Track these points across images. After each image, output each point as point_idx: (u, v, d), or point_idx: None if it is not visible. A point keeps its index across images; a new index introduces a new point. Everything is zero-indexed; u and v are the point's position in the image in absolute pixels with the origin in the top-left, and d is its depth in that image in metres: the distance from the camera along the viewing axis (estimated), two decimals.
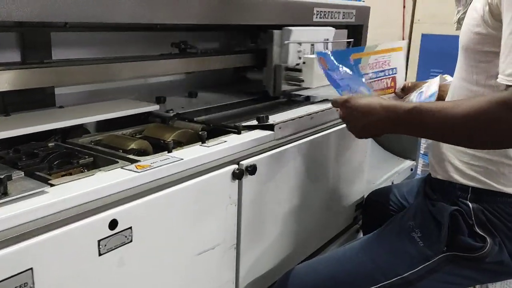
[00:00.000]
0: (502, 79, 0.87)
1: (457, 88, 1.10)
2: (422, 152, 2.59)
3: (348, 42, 1.92)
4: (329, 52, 1.22)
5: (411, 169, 2.14)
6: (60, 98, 1.32)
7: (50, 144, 1.09)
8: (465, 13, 1.09)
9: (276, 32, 1.60)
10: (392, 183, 1.94)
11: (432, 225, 1.06)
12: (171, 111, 1.40)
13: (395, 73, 1.35)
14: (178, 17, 1.25)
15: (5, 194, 0.74)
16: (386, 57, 1.31)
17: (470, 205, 1.04)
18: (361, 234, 1.67)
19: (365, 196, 1.68)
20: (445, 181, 1.11)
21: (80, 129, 1.23)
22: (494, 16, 0.95)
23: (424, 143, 2.59)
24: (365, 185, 1.68)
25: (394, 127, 0.98)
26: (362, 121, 1.02)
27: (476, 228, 1.03)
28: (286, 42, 1.61)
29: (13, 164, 0.93)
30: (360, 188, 1.66)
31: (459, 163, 1.08)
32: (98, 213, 0.78)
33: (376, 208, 1.56)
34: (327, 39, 1.76)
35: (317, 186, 1.39)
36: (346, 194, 1.57)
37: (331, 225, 1.54)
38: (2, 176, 0.73)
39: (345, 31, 2.10)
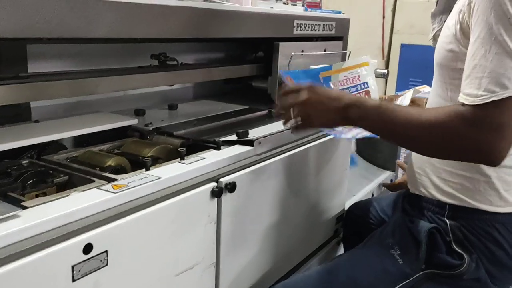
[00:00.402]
0: (461, 98, 0.90)
1: (433, 104, 1.11)
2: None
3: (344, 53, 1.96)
4: (297, 71, 1.24)
5: (391, 180, 2.16)
6: (36, 111, 1.29)
7: (24, 162, 1.06)
8: (440, 29, 1.11)
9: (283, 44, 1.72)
10: (373, 195, 1.95)
11: (411, 242, 1.07)
12: (150, 125, 1.38)
13: (367, 87, 1.36)
14: (158, 31, 1.24)
15: None
16: (355, 73, 1.33)
17: (448, 222, 1.05)
18: (341, 247, 1.68)
19: (345, 209, 1.68)
20: (423, 197, 1.12)
21: (56, 145, 1.20)
22: (465, 34, 0.96)
23: (404, 152, 2.62)
24: (345, 198, 1.69)
25: (357, 117, 0.98)
26: (326, 106, 1.00)
27: (454, 245, 1.03)
28: (293, 53, 1.68)
29: None
30: (341, 201, 1.66)
31: (436, 179, 1.09)
32: (72, 237, 0.76)
33: (356, 221, 1.56)
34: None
35: (297, 201, 1.39)
36: (327, 208, 1.57)
37: (312, 239, 1.54)
38: None
39: (339, 43, 2.11)
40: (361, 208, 1.58)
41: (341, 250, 1.67)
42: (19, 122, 1.22)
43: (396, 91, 3.73)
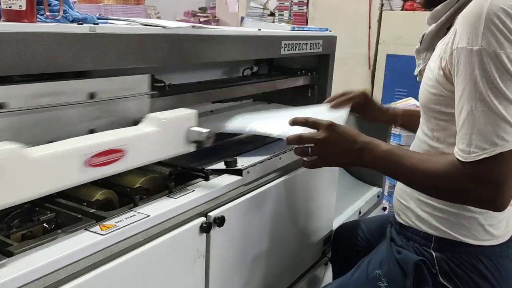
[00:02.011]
0: (456, 153, 0.93)
1: (419, 140, 1.13)
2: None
3: None
4: None
5: (378, 196, 2.18)
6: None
7: None
8: (425, 66, 1.12)
9: None
10: (360, 212, 1.97)
11: (398, 274, 1.08)
12: None
13: None
14: (146, 60, 1.23)
15: None
16: None
17: (434, 254, 1.07)
18: (329, 267, 1.69)
19: (333, 229, 1.69)
20: (409, 227, 1.13)
21: None
22: (448, 79, 0.98)
23: None
24: (332, 218, 1.70)
25: (369, 161, 1.05)
26: (343, 147, 1.07)
27: (440, 278, 1.05)
28: None
29: None
30: (329, 222, 1.67)
31: (421, 212, 1.10)
32: (61, 285, 0.75)
33: (344, 243, 1.58)
34: None
35: (285, 226, 1.40)
36: (315, 230, 1.58)
37: (300, 262, 1.54)
38: None
39: None
40: (348, 229, 1.59)
41: (329, 271, 1.68)
42: None
43: (382, 101, 3.77)
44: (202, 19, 7.25)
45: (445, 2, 1.07)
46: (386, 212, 2.20)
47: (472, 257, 1.05)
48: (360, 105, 1.42)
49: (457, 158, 0.92)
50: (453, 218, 1.05)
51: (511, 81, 0.88)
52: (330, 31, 2.19)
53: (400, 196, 1.17)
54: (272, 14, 4.86)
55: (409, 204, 1.13)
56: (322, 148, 1.08)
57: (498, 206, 0.91)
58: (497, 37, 0.88)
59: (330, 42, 2.14)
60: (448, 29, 1.06)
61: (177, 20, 7.28)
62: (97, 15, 1.30)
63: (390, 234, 1.20)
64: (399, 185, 1.19)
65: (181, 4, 7.38)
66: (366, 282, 1.12)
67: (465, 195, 0.94)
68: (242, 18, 5.78)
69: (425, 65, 1.12)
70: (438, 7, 1.09)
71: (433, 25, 1.10)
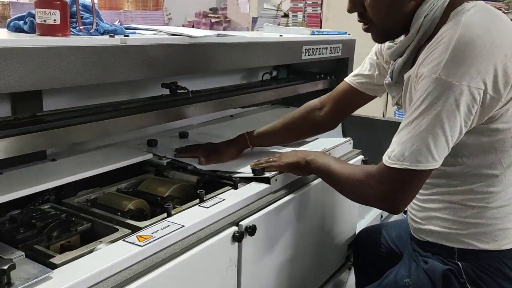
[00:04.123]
0: (384, 157, 1.02)
1: None
2: None
3: None
4: None
5: None
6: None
7: (45, 207, 1.07)
8: (400, 97, 1.16)
9: None
10: (381, 216, 1.97)
11: (427, 284, 1.08)
12: (164, 158, 1.39)
13: None
14: (172, 70, 1.25)
15: (9, 283, 0.73)
16: None
17: (460, 264, 1.07)
18: (353, 272, 1.69)
19: (356, 233, 1.70)
20: (430, 242, 1.14)
21: (73, 184, 1.21)
22: None
23: None
24: (356, 224, 1.70)
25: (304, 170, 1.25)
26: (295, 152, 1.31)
27: (468, 286, 1.05)
28: None
29: (10, 238, 0.91)
30: (352, 226, 1.68)
31: (440, 229, 1.11)
32: None
33: (366, 249, 1.58)
34: None
35: (311, 232, 1.40)
36: (339, 235, 1.59)
37: (325, 267, 1.55)
38: (5, 267, 0.72)
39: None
40: (370, 235, 1.58)
41: (352, 276, 1.68)
42: (35, 162, 1.23)
43: None
44: (213, 20, 7.27)
45: (403, 39, 1.09)
46: (406, 215, 2.19)
47: (497, 262, 1.05)
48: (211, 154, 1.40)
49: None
50: (474, 228, 1.06)
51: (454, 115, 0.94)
52: (349, 34, 2.19)
53: (415, 218, 1.17)
54: (285, 15, 4.86)
55: (426, 225, 1.14)
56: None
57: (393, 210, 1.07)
58: (457, 69, 0.91)
59: (349, 45, 2.14)
60: (414, 60, 1.07)
61: (189, 21, 7.30)
62: (118, 21, 1.31)
63: (412, 247, 1.20)
64: (411, 207, 1.20)
65: (192, 5, 7.39)
66: None
67: (364, 190, 1.07)
68: (253, 18, 5.78)
69: (400, 96, 1.15)
70: (398, 44, 1.11)
71: (399, 60, 1.11)
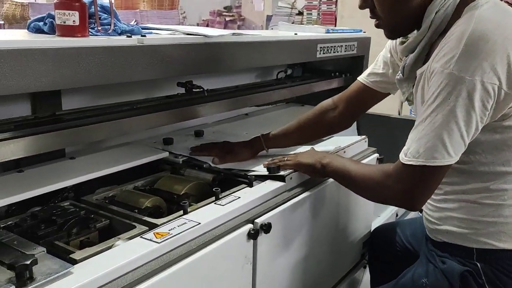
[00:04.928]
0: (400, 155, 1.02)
1: None
2: None
3: None
4: None
5: None
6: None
7: (65, 204, 1.10)
8: (410, 93, 1.15)
9: None
10: (397, 215, 1.96)
11: (445, 284, 1.08)
12: (180, 157, 1.41)
13: None
14: (187, 69, 1.26)
15: (31, 278, 0.75)
16: None
17: (478, 264, 1.06)
18: (368, 270, 1.69)
19: (371, 231, 1.69)
20: (448, 244, 1.13)
21: (91, 182, 1.24)
22: None
23: None
24: (371, 222, 1.70)
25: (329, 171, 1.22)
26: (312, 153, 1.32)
27: (487, 287, 1.04)
28: None
29: (32, 234, 0.94)
30: (367, 224, 1.68)
31: (458, 229, 1.10)
32: None
33: (380, 246, 1.57)
34: None
35: (327, 230, 1.41)
36: (354, 233, 1.59)
37: (340, 265, 1.55)
38: (28, 262, 0.74)
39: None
40: (385, 233, 1.58)
41: (367, 274, 1.68)
42: (54, 160, 1.26)
43: None
44: (227, 18, 7.29)
45: (415, 35, 1.08)
46: (421, 214, 2.17)
47: None
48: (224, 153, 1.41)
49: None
50: (492, 227, 1.05)
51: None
52: (364, 32, 2.18)
53: (431, 218, 1.16)
54: (300, 13, 4.85)
55: (442, 225, 1.13)
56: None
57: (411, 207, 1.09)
58: (470, 64, 0.90)
59: (364, 43, 2.13)
60: (428, 56, 1.06)
61: (203, 20, 7.33)
62: (134, 21, 1.33)
63: (428, 247, 1.20)
64: (426, 207, 1.19)
65: (206, 4, 7.42)
66: None
67: (382, 191, 1.07)
68: (268, 16, 5.78)
69: (410, 92, 1.15)
70: (411, 39, 1.10)
71: (411, 56, 1.10)
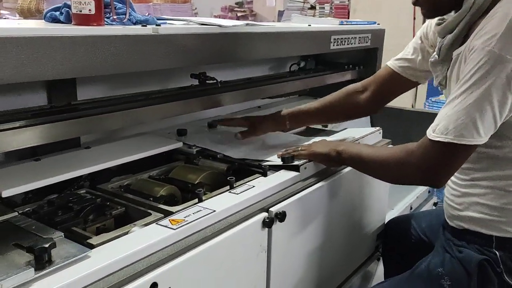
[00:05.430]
0: (428, 131, 1.01)
1: None
2: None
3: None
4: None
5: (429, 191, 2.14)
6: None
7: (81, 192, 1.11)
8: (444, 77, 1.13)
9: None
10: (411, 207, 1.95)
11: (461, 273, 1.07)
12: (193, 147, 1.41)
13: None
14: (202, 59, 1.26)
15: (50, 261, 0.76)
16: None
17: (497, 253, 1.05)
18: (381, 263, 1.68)
19: (385, 223, 1.68)
20: (466, 231, 1.11)
21: (106, 171, 1.25)
22: None
23: None
24: (385, 214, 1.69)
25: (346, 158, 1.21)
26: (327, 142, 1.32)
27: (505, 277, 1.03)
28: None
29: (49, 220, 0.95)
30: (381, 216, 1.67)
31: (478, 215, 1.08)
32: (138, 277, 0.79)
33: (395, 238, 1.56)
34: None
35: (341, 221, 1.40)
36: (369, 225, 1.58)
37: (354, 257, 1.55)
38: (46, 245, 0.75)
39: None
40: (400, 224, 1.57)
41: (380, 266, 1.67)
42: (69, 149, 1.27)
43: (426, 95, 3.68)
44: (239, 14, 7.28)
45: (455, 14, 1.06)
46: (436, 207, 2.16)
47: None
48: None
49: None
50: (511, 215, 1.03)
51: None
52: (378, 24, 2.16)
53: (453, 203, 1.15)
54: (312, 7, 4.83)
55: (464, 211, 1.11)
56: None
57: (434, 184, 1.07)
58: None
59: (378, 35, 2.11)
60: (465, 38, 1.04)
61: (214, 16, 7.36)
62: (147, 14, 1.33)
63: (445, 236, 1.18)
64: (449, 192, 1.18)
65: None
66: (428, 279, 1.11)
67: (404, 169, 1.05)
68: (280, 12, 5.76)
69: (444, 76, 1.12)
70: (450, 19, 1.07)
71: (449, 36, 1.08)
